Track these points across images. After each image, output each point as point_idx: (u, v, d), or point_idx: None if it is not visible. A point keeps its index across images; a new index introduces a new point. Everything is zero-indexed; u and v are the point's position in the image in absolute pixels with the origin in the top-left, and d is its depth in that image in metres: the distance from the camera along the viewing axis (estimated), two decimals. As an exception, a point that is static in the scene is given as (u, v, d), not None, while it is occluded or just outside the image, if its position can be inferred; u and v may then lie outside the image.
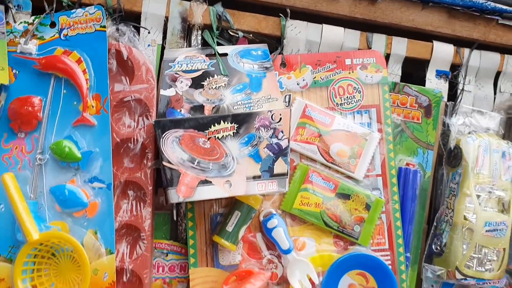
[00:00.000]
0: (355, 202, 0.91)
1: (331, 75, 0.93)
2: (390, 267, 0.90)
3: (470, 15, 0.99)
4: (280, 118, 0.82)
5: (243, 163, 0.80)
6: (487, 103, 1.03)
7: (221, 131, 0.81)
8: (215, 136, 0.80)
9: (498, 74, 1.03)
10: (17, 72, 0.84)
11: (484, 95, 1.03)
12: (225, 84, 0.88)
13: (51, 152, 0.81)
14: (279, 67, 0.92)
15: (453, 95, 1.01)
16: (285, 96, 0.91)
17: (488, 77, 1.03)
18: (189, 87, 0.88)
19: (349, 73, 0.94)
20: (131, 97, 0.85)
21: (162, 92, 0.87)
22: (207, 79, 0.89)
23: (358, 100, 0.94)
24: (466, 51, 1.01)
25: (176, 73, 0.89)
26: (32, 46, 0.84)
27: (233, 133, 0.81)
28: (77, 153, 0.81)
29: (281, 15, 0.93)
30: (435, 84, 1.00)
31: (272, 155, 0.81)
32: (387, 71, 0.96)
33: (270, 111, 0.82)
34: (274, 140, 0.82)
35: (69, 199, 0.80)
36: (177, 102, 0.87)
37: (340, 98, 0.93)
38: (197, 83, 0.88)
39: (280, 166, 0.82)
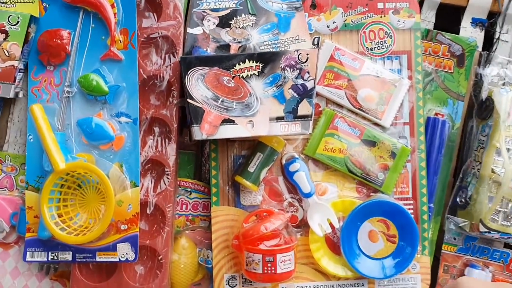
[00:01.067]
0: (380, 149, 0.88)
1: (362, 18, 0.90)
2: (412, 216, 0.88)
3: (512, -39, 0.94)
4: (307, 58, 0.80)
5: (267, 104, 0.79)
6: (524, 54, 0.99)
7: (246, 70, 0.80)
8: (239, 75, 0.80)
9: (537, 24, 0.99)
10: (47, 5, 0.85)
11: (521, 46, 0.99)
12: (252, 24, 0.87)
13: (79, 85, 0.82)
14: (309, 9, 0.90)
15: (488, 45, 0.98)
16: (314, 39, 0.89)
17: (527, 27, 0.99)
18: (216, 26, 0.87)
19: (381, 17, 0.90)
20: (158, 33, 0.85)
21: (189, 30, 0.87)
22: (235, 18, 0.87)
23: (389, 45, 0.90)
24: (505, -1, 0.97)
25: (203, 12, 0.88)
26: (62, -21, 0.84)
27: (258, 72, 0.80)
28: (104, 87, 0.81)
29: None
30: (470, 33, 0.97)
31: (296, 96, 0.80)
32: (420, 17, 0.93)
33: (297, 51, 0.80)
34: (300, 81, 0.80)
35: (96, 132, 0.81)
36: (203, 41, 0.86)
37: (371, 42, 0.90)
38: (224, 22, 0.87)
39: (304, 108, 0.80)
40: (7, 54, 0.81)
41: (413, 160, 0.90)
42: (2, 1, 0.84)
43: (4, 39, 0.81)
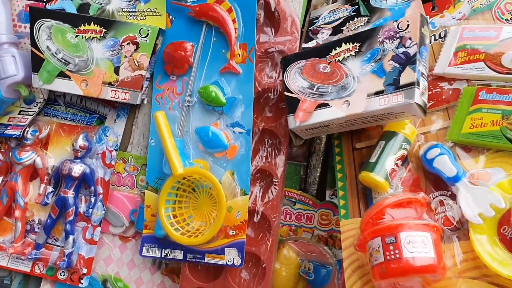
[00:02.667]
0: None
1: None
2: None
3: None
4: (408, 25, 0.73)
5: (365, 81, 0.74)
6: None
7: (342, 53, 0.77)
8: (335, 60, 0.77)
9: None
10: (173, 18, 0.91)
11: None
12: (364, 23, 0.86)
13: (199, 95, 0.87)
14: (430, 12, 0.86)
15: None
16: (439, 33, 0.84)
17: None
18: (329, 35, 0.88)
19: None
20: (275, 48, 0.87)
21: (303, 45, 0.89)
22: (347, 23, 0.88)
23: None
24: None
25: (318, 27, 0.89)
26: (187, -6, 0.89)
27: (355, 52, 0.76)
28: (222, 98, 0.86)
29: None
30: None
31: (398, 66, 0.72)
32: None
33: (396, 21, 0.75)
34: (401, 50, 0.73)
35: (212, 140, 0.86)
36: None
37: (509, 13, 0.79)
38: (337, 30, 0.88)
39: (408, 76, 0.71)
40: (136, 64, 0.87)
41: None
42: (134, 14, 0.91)
43: (135, 50, 0.88)
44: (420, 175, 0.77)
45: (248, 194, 0.85)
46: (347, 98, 0.75)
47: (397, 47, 0.73)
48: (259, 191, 0.88)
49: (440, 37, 0.84)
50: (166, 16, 0.91)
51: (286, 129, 0.87)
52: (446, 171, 0.72)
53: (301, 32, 0.91)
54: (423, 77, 0.72)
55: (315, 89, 0.78)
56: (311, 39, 0.89)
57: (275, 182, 0.87)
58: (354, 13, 0.88)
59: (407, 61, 0.72)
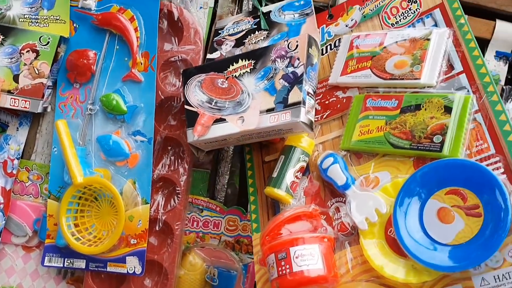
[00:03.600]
0: (428, 110, 0.72)
1: (380, 2, 0.85)
2: (502, 176, 0.65)
3: (541, -6, 0.92)
4: (297, 45, 0.78)
5: (258, 98, 0.77)
6: (551, 90, 0.97)
7: (239, 69, 0.80)
8: (233, 75, 0.80)
9: None
10: (77, 26, 0.90)
11: (548, 82, 0.96)
12: (264, 37, 0.89)
13: (101, 104, 0.87)
14: (326, 21, 0.89)
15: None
16: (334, 42, 0.87)
17: (554, 62, 0.96)
18: (232, 47, 0.90)
19: None
20: (178, 57, 0.88)
21: (208, 56, 0.90)
22: (249, 36, 0.90)
23: (416, 9, 0.81)
24: (533, 33, 0.94)
25: (223, 38, 0.91)
26: (91, 2, 0.89)
27: (250, 69, 0.79)
28: (123, 106, 0.86)
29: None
30: (493, 66, 0.95)
31: (287, 85, 0.76)
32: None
33: (287, 40, 0.78)
34: (290, 69, 0.76)
35: (113, 149, 0.86)
36: (219, 61, 0.89)
37: (394, 17, 0.83)
38: (239, 42, 0.90)
39: (295, 95, 0.75)
40: (36, 72, 0.86)
41: (483, 108, 0.70)
42: (36, 21, 0.90)
43: (35, 58, 0.87)
44: (320, 184, 0.79)
45: (149, 203, 0.85)
46: (242, 114, 0.78)
47: (287, 67, 0.77)
48: (162, 200, 0.88)
49: (335, 46, 0.87)
50: (70, 23, 0.90)
51: (189, 138, 0.88)
52: (337, 180, 0.75)
53: (207, 41, 0.92)
54: (309, 96, 0.76)
55: (213, 103, 0.80)
56: (215, 50, 0.91)
57: (178, 190, 0.87)
58: (256, 26, 0.90)
59: (295, 80, 0.75)
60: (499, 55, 0.95)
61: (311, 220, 0.76)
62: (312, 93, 0.77)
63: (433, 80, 0.74)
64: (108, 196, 0.86)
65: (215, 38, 0.91)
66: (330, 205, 0.77)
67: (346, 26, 0.87)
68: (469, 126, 0.70)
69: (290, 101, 0.75)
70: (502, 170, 0.66)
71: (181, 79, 0.86)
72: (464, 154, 0.68)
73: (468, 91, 0.72)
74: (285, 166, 0.78)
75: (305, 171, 0.81)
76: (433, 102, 0.72)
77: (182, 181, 0.87)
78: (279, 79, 0.77)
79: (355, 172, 0.76)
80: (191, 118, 0.81)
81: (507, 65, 0.95)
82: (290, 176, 0.78)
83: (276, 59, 0.78)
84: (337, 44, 0.86)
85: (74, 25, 0.90)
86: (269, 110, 0.76)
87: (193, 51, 0.88)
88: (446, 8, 0.79)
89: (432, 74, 0.74)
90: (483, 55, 0.92)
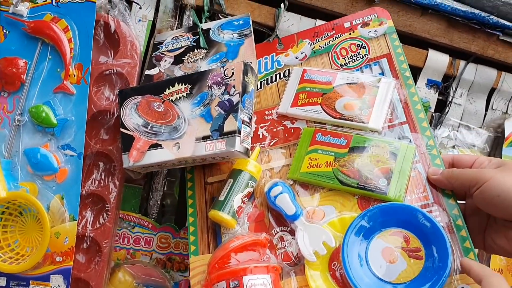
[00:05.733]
0: (375, 153, 0.76)
1: (330, 41, 0.88)
2: (439, 222, 0.69)
3: (470, 27, 0.97)
4: (233, 73, 0.78)
5: (194, 124, 0.77)
6: (477, 119, 1.02)
7: (175, 93, 0.79)
8: (169, 99, 0.79)
9: (492, 90, 1.01)
10: (7, 32, 0.86)
11: (474, 110, 1.01)
12: (202, 56, 0.88)
13: (30, 115, 0.84)
14: (276, 49, 0.91)
15: (441, 106, 1.00)
16: (284, 71, 0.88)
17: (482, 92, 1.01)
18: (171, 64, 0.89)
19: (350, 34, 0.88)
20: (113, 70, 0.86)
21: (146, 72, 0.89)
22: (188, 54, 0.89)
23: (364, 55, 0.85)
24: (462, 63, 0.99)
25: (162, 54, 0.90)
26: (23, 8, 0.86)
27: (187, 94, 0.79)
28: (53, 119, 0.83)
29: (277, 8, 0.92)
30: (424, 93, 0.99)
31: (223, 112, 0.76)
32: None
33: (223, 67, 0.79)
34: (226, 97, 0.77)
35: (41, 163, 0.82)
36: (158, 80, 0.88)
37: (344, 58, 0.86)
38: (178, 60, 0.89)
39: (230, 124, 0.75)
40: (-40, 79, 0.82)
41: (423, 158, 0.76)
42: (-38, 25, 0.85)
43: (-42, 64, 0.82)
44: (264, 210, 0.80)
45: (77, 220, 0.82)
46: (178, 140, 0.77)
47: (223, 94, 0.77)
48: (91, 216, 0.86)
49: (284, 75, 0.88)
50: (0, 28, 0.86)
51: (121, 153, 0.86)
52: (286, 209, 0.76)
53: (145, 56, 0.91)
54: (244, 124, 0.76)
55: (149, 127, 0.79)
56: (154, 66, 0.89)
57: (108, 207, 0.85)
58: (195, 44, 0.89)
59: (231, 108, 0.76)
60: (430, 83, 0.99)
61: (257, 249, 0.77)
62: (248, 121, 0.78)
63: (379, 126, 0.78)
64: (34, 211, 0.82)
65: (153, 53, 0.90)
66: (274, 233, 0.78)
67: (296, 58, 0.89)
68: (411, 173, 0.75)
69: (226, 129, 0.75)
70: (439, 218, 0.71)
71: (117, 100, 0.84)
72: (406, 199, 0.73)
73: (410, 141, 0.77)
74: (233, 190, 0.78)
75: (250, 196, 0.80)
76: (380, 147, 0.76)
77: (112, 197, 0.85)
78: (215, 106, 0.77)
79: (301, 203, 0.78)
80: (127, 142, 0.80)
81: (437, 93, 0.99)
82: (237, 200, 0.77)
83: (213, 85, 0.78)
84: (286, 74, 0.88)
85: (4, 30, 0.86)
86: (205, 138, 0.76)
87: (129, 65, 0.86)
88: (393, 59, 0.84)
89: (378, 120, 0.78)
90: (415, 83, 0.96)
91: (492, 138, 1.01)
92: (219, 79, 0.78)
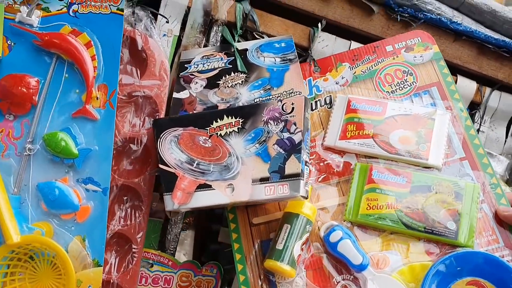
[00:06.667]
0: (439, 193, 0.71)
1: (373, 65, 0.83)
2: None
3: (499, 55, 0.95)
4: (293, 108, 0.71)
5: (249, 164, 0.70)
6: (498, 145, 1.01)
7: (224, 127, 0.72)
8: (217, 133, 0.72)
9: (512, 118, 1.01)
10: (12, 43, 0.74)
11: (495, 137, 1.00)
12: (242, 81, 0.80)
13: (44, 143, 0.72)
14: (312, 72, 0.84)
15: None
16: (325, 98, 0.82)
17: (503, 120, 1.00)
18: (204, 87, 0.80)
19: (393, 58, 0.83)
20: (141, 92, 0.76)
21: (175, 95, 0.79)
22: (223, 77, 0.81)
23: (412, 82, 0.81)
24: (487, 90, 0.98)
25: (191, 75, 0.81)
26: (34, 18, 0.73)
27: (238, 128, 0.71)
28: (73, 149, 0.72)
29: (313, 28, 0.86)
30: (453, 121, 0.96)
31: (283, 152, 0.69)
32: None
33: (281, 101, 0.71)
34: (286, 135, 0.70)
35: (59, 199, 0.71)
36: (189, 105, 0.79)
37: (390, 85, 0.81)
38: (212, 83, 0.81)
39: (292, 165, 0.68)
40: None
41: (488, 198, 0.72)
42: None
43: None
44: (322, 256, 0.73)
45: (102, 265, 0.72)
46: (231, 180, 0.70)
47: (281, 131, 0.70)
48: (115, 259, 0.75)
49: (326, 103, 0.82)
50: (3, 39, 0.73)
51: (149, 186, 0.76)
52: (351, 258, 0.70)
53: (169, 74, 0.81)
54: (306, 165, 0.71)
55: (194, 165, 0.71)
56: (183, 88, 0.80)
57: (135, 248, 0.75)
58: (230, 66, 0.81)
59: (292, 148, 0.69)
60: (459, 110, 0.96)
61: None
62: (308, 161, 0.72)
63: (440, 162, 0.74)
64: (48, 254, 0.71)
65: (181, 73, 0.80)
66: (336, 283, 0.71)
67: (337, 83, 0.83)
68: (478, 215, 0.71)
69: (287, 171, 0.68)
70: None
71: (143, 126, 0.76)
72: (475, 243, 0.69)
73: (472, 179, 0.73)
74: (291, 238, 0.71)
75: (307, 241, 0.74)
76: (444, 186, 0.71)
77: (139, 237, 0.75)
78: (273, 145, 0.70)
79: (362, 248, 0.72)
80: (168, 180, 0.71)
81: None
82: (297, 249, 0.71)
83: (269, 120, 0.71)
84: (327, 101, 0.82)
85: (9, 42, 0.74)
86: (264, 180, 0.69)
87: (157, 87, 0.77)
88: (443, 88, 0.80)
89: (438, 155, 0.74)
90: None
91: (511, 165, 1.01)
92: (277, 115, 0.71)
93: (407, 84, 0.81)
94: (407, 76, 0.82)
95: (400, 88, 0.81)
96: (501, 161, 1.00)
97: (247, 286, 0.74)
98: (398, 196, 0.72)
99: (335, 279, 0.71)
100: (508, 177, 1.01)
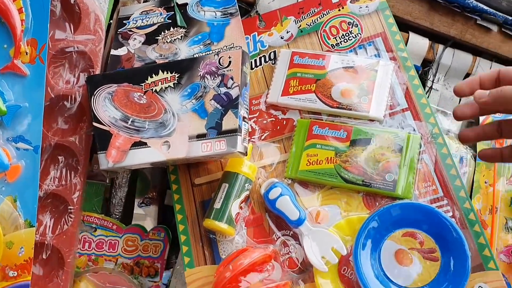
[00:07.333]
0: (379, 145, 0.70)
1: (318, 18, 0.81)
2: (451, 219, 0.66)
3: (450, 10, 0.94)
4: (230, 62, 0.69)
5: (185, 120, 0.68)
6: (452, 104, 0.99)
7: (160, 83, 0.69)
8: (152, 89, 0.69)
9: (467, 76, 0.99)
10: None
11: (450, 96, 0.99)
12: (181, 37, 0.78)
13: (-31, 101, 0.69)
14: (257, 27, 0.82)
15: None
16: (269, 54, 0.80)
17: (457, 78, 0.99)
18: (142, 43, 0.78)
19: (339, 10, 0.81)
20: (74, 48, 0.73)
21: (112, 52, 0.77)
22: (162, 33, 0.78)
23: (357, 34, 0.79)
24: (440, 47, 0.96)
25: (129, 31, 0.78)
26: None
27: (174, 84, 0.69)
28: (1, 106, 0.69)
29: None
30: (404, 79, 0.95)
31: (220, 107, 0.68)
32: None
33: (217, 54, 0.69)
34: (223, 89, 0.68)
35: (-14, 159, 0.68)
36: (127, 62, 0.77)
37: (335, 38, 0.79)
38: (151, 39, 0.78)
39: (230, 121, 0.67)
40: None
41: (429, 149, 0.71)
42: None
43: None
44: (262, 213, 0.73)
45: (34, 226, 0.69)
46: (167, 138, 0.68)
47: (218, 86, 0.68)
48: (50, 220, 0.73)
49: (270, 58, 0.80)
50: None
51: (85, 145, 0.73)
52: (289, 214, 0.69)
53: (107, 32, 0.78)
54: (244, 121, 0.69)
55: (129, 122, 0.69)
56: (121, 45, 0.77)
57: (71, 209, 0.72)
58: (170, 21, 0.78)
59: (229, 103, 0.67)
60: (411, 68, 0.94)
61: (266, 266, 0.69)
62: (247, 117, 0.70)
63: (381, 115, 0.73)
64: (-23, 217, 0.68)
65: (119, 30, 0.78)
66: (275, 238, 0.71)
67: (282, 38, 0.81)
68: (418, 166, 0.70)
69: (225, 127, 0.67)
70: (450, 213, 0.68)
71: (78, 83, 0.73)
72: (414, 194, 0.69)
73: (414, 129, 0.72)
74: (229, 197, 0.70)
75: (247, 199, 0.73)
76: (384, 138, 0.71)
77: (75, 197, 0.73)
78: (210, 100, 0.68)
79: (302, 204, 0.72)
80: (103, 139, 0.68)
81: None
82: (235, 207, 0.70)
83: (206, 75, 0.68)
84: (272, 57, 0.80)
85: None
86: (200, 136, 0.67)
87: (92, 42, 0.74)
88: (388, 39, 0.79)
89: (379, 108, 0.73)
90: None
91: (466, 124, 1.00)
92: (213, 69, 0.68)
93: (352, 36, 0.80)
94: (352, 27, 0.80)
95: (345, 41, 0.80)
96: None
97: (188, 246, 0.73)
98: (338, 151, 0.71)
99: (275, 235, 0.71)
100: (463, 136, 0.99)
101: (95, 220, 0.81)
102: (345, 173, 0.70)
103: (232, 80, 0.68)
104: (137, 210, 0.84)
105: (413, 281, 0.65)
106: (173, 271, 0.85)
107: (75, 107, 0.73)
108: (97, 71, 0.74)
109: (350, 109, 0.73)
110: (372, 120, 0.73)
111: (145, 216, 0.84)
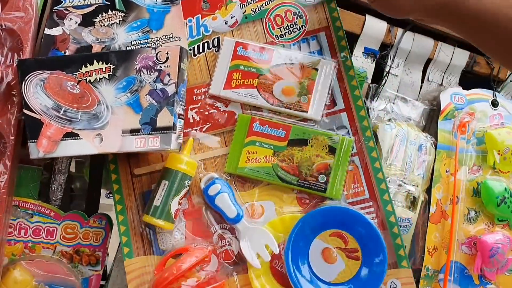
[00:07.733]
0: (314, 147, 0.74)
1: (264, 4, 0.79)
2: (373, 220, 0.73)
3: (409, -7, 0.90)
4: (167, 58, 0.68)
5: (119, 113, 0.68)
6: (413, 90, 0.96)
7: (94, 73, 0.68)
8: (86, 79, 0.68)
9: (428, 61, 0.96)
10: None
11: (411, 82, 0.96)
12: (119, 21, 0.76)
13: None
14: (201, 10, 0.79)
15: (378, 77, 0.93)
16: (213, 40, 0.78)
17: (418, 63, 0.96)
18: (78, 25, 0.75)
19: None
20: (2, 25, 0.71)
21: (46, 31, 0.74)
22: (100, 15, 0.76)
23: (302, 26, 0.79)
24: (399, 31, 0.93)
25: (65, 10, 0.75)
26: None
27: (109, 75, 0.68)
28: None
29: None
30: (361, 63, 0.91)
31: (155, 103, 0.68)
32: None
33: (155, 49, 0.68)
34: (159, 85, 0.68)
35: None
36: (62, 43, 0.74)
37: (279, 28, 0.79)
38: (88, 21, 0.76)
39: (164, 118, 0.67)
40: None
41: (360, 152, 0.75)
42: None
43: None
44: (201, 207, 0.75)
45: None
46: (100, 130, 0.67)
47: (155, 81, 0.68)
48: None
49: (213, 45, 0.79)
50: None
51: (13, 128, 0.71)
52: (227, 211, 0.73)
53: (42, 11, 0.76)
54: (180, 118, 0.69)
55: (61, 112, 0.67)
56: (56, 25, 0.75)
57: (-4, 194, 0.70)
58: (108, 3, 0.76)
59: (165, 100, 0.68)
60: (367, 52, 0.92)
61: (193, 254, 0.72)
62: (182, 114, 0.70)
63: (319, 116, 0.76)
64: None
65: (54, 8, 0.75)
66: (213, 232, 0.74)
67: (226, 23, 0.79)
68: (349, 167, 0.75)
69: (159, 124, 0.67)
70: (374, 215, 0.74)
71: (6, 62, 0.71)
72: (343, 195, 0.75)
73: (348, 131, 0.76)
74: (169, 194, 0.71)
75: (186, 194, 0.75)
76: (319, 140, 0.74)
77: (2, 181, 0.70)
78: (145, 95, 0.67)
79: (240, 199, 0.75)
80: (33, 127, 0.67)
81: (374, 62, 0.92)
82: (175, 204, 0.72)
83: (142, 69, 0.68)
84: (215, 44, 0.79)
85: None
86: (134, 131, 0.67)
87: (21, 20, 0.72)
88: (331, 35, 0.79)
89: (318, 108, 0.75)
90: (352, 52, 0.89)
91: (427, 111, 0.97)
92: (150, 63, 0.68)
93: (296, 28, 0.79)
94: (297, 18, 0.79)
95: (289, 32, 0.79)
96: (416, 107, 0.95)
97: (127, 237, 0.74)
98: (276, 150, 0.74)
99: (213, 228, 0.74)
100: (424, 123, 0.96)
101: (31, 206, 0.78)
102: (282, 172, 0.74)
103: (169, 76, 0.68)
104: (103, 200, 0.84)
105: (336, 277, 0.72)
106: (115, 259, 0.83)
107: (2, 87, 0.71)
108: (27, 50, 0.72)
109: (290, 108, 0.75)
110: (310, 120, 0.76)
111: (112, 206, 0.81)
